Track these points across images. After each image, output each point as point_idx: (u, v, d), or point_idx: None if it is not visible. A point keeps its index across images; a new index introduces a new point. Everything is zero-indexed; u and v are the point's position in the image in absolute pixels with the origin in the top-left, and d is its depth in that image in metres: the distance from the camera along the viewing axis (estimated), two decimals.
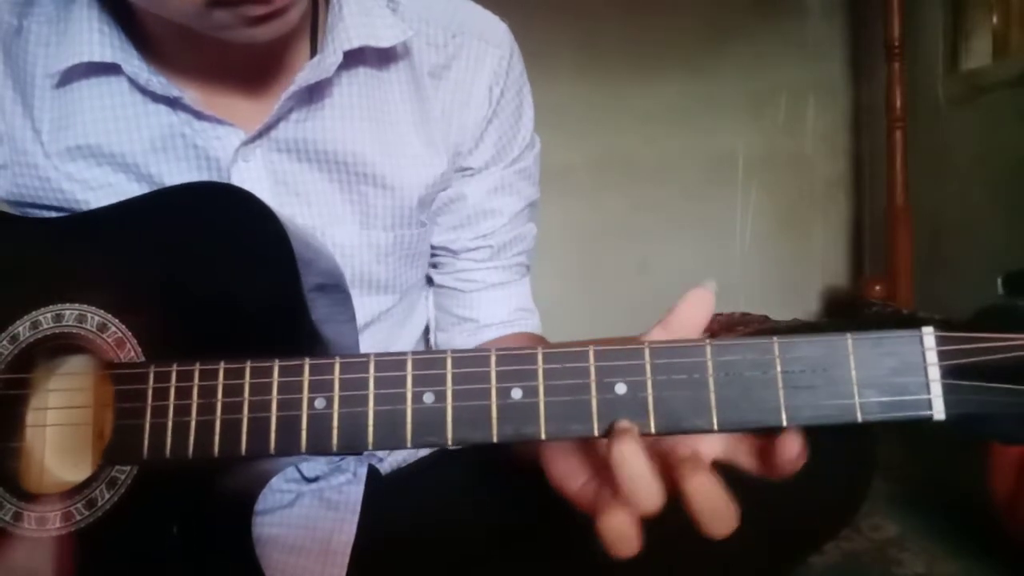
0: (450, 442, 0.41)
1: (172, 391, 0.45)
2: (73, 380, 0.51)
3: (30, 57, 0.62)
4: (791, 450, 0.39)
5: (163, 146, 0.62)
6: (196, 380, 0.44)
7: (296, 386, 0.43)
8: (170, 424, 0.44)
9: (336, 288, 0.57)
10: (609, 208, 2.14)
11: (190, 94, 0.61)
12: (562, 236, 2.01)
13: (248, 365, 0.44)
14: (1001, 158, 1.69)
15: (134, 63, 0.60)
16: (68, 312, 0.51)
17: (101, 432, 0.47)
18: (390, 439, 0.41)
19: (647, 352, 0.40)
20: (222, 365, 0.44)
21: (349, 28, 0.61)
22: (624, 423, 0.40)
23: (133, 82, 0.60)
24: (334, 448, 0.42)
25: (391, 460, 0.74)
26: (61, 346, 0.51)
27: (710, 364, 0.40)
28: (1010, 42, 1.78)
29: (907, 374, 0.38)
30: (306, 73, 0.60)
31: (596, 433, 0.40)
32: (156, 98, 0.61)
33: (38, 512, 0.48)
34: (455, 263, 0.74)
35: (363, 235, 0.67)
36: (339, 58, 0.61)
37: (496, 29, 0.71)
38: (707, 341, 0.40)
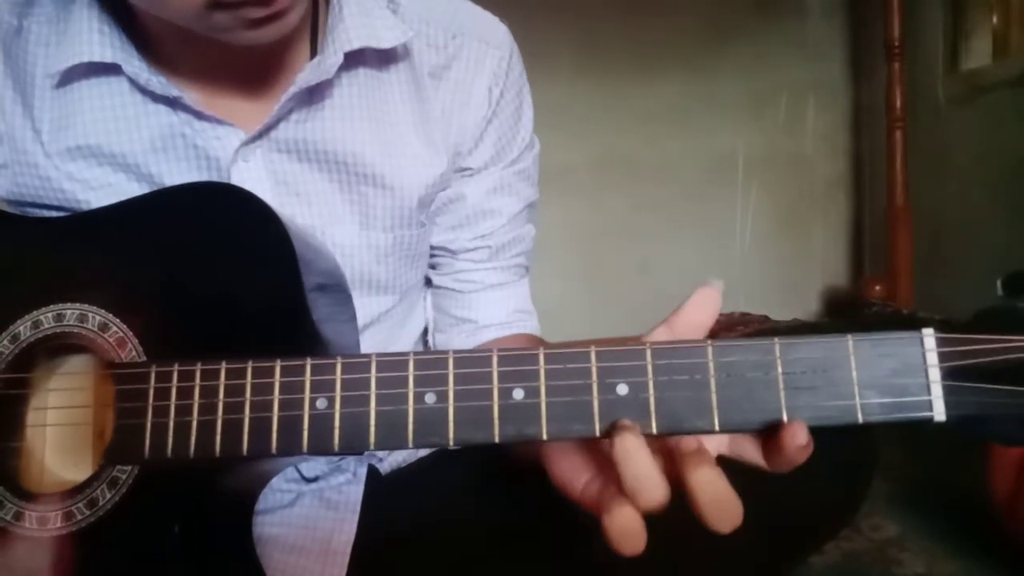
0: (452, 442, 0.41)
1: (173, 391, 0.45)
2: (74, 380, 0.51)
3: (30, 57, 0.62)
4: (799, 438, 0.39)
5: (163, 146, 0.62)
6: (198, 380, 0.44)
7: (298, 386, 0.43)
8: (171, 424, 0.44)
9: (337, 288, 0.57)
10: (609, 208, 2.14)
11: (190, 94, 0.61)
12: (562, 236, 2.01)
13: (250, 365, 0.44)
14: (1001, 158, 1.69)
15: (134, 63, 0.60)
16: (69, 312, 0.51)
17: (102, 432, 0.47)
18: (392, 439, 0.41)
19: (649, 353, 0.40)
20: (224, 365, 0.44)
21: (349, 29, 0.61)
22: (626, 421, 0.40)
23: (133, 82, 0.60)
24: (336, 448, 0.42)
25: (391, 460, 0.74)
26: (62, 346, 0.51)
27: (711, 365, 0.40)
28: (1010, 42, 1.78)
29: (908, 375, 0.38)
30: (306, 74, 0.60)
31: (597, 434, 0.40)
32: (156, 98, 0.61)
33: (39, 512, 0.48)
34: (454, 264, 0.74)
35: (363, 235, 0.67)
36: (339, 59, 0.61)
37: (496, 30, 0.71)
38: (708, 342, 0.40)
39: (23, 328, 0.51)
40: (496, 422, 0.41)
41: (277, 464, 0.56)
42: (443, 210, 0.72)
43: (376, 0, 0.65)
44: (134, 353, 0.48)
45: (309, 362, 0.43)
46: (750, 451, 0.42)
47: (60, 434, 0.51)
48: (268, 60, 0.63)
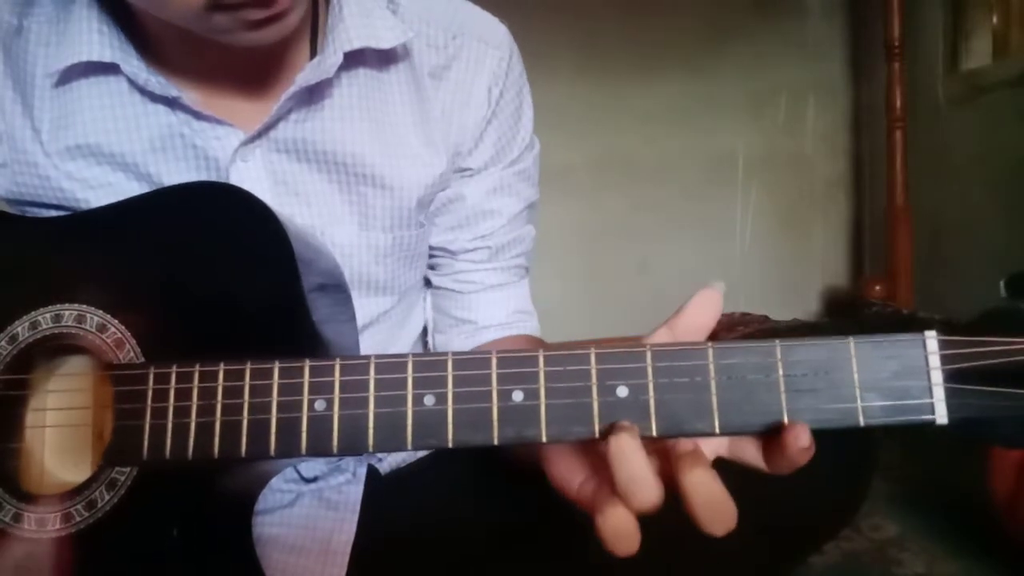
0: (451, 444, 0.41)
1: (172, 392, 0.45)
2: (72, 381, 0.51)
3: (30, 57, 0.62)
4: (801, 441, 0.38)
5: (162, 146, 0.62)
6: (196, 382, 0.44)
7: (296, 388, 0.43)
8: (170, 425, 0.44)
9: (336, 288, 0.57)
10: (609, 208, 2.14)
11: (189, 94, 0.61)
12: (562, 236, 2.01)
13: (248, 367, 0.44)
14: (1001, 158, 1.69)
15: (133, 63, 0.60)
16: (67, 312, 0.50)
17: (100, 433, 0.47)
18: (391, 441, 0.41)
19: (649, 355, 0.40)
20: (222, 367, 0.44)
21: (349, 29, 0.61)
22: (624, 422, 0.40)
23: (132, 82, 0.60)
24: (335, 450, 0.42)
25: (390, 460, 0.74)
26: (60, 346, 0.51)
27: (712, 367, 0.40)
28: (1010, 42, 1.78)
29: (909, 378, 0.38)
30: (306, 74, 0.60)
31: (597, 435, 0.40)
32: (155, 98, 0.61)
33: (38, 513, 0.48)
34: (453, 264, 0.74)
35: (362, 236, 0.67)
36: (339, 59, 0.61)
37: (496, 31, 0.71)
38: (709, 344, 0.40)
39: (21, 329, 0.51)
40: (495, 424, 0.40)
41: (276, 465, 0.56)
42: (443, 210, 0.72)
43: (376, 0, 0.64)
44: (132, 354, 0.48)
45: (308, 364, 0.43)
46: (750, 452, 0.42)
47: (59, 435, 0.51)
48: (268, 60, 0.63)
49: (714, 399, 0.39)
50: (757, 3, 2.15)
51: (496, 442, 0.41)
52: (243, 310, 0.49)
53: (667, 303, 0.45)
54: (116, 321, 0.49)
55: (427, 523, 0.67)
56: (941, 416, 0.38)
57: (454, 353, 0.42)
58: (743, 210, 2.21)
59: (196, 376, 0.44)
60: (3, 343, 0.51)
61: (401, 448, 0.41)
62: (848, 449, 0.60)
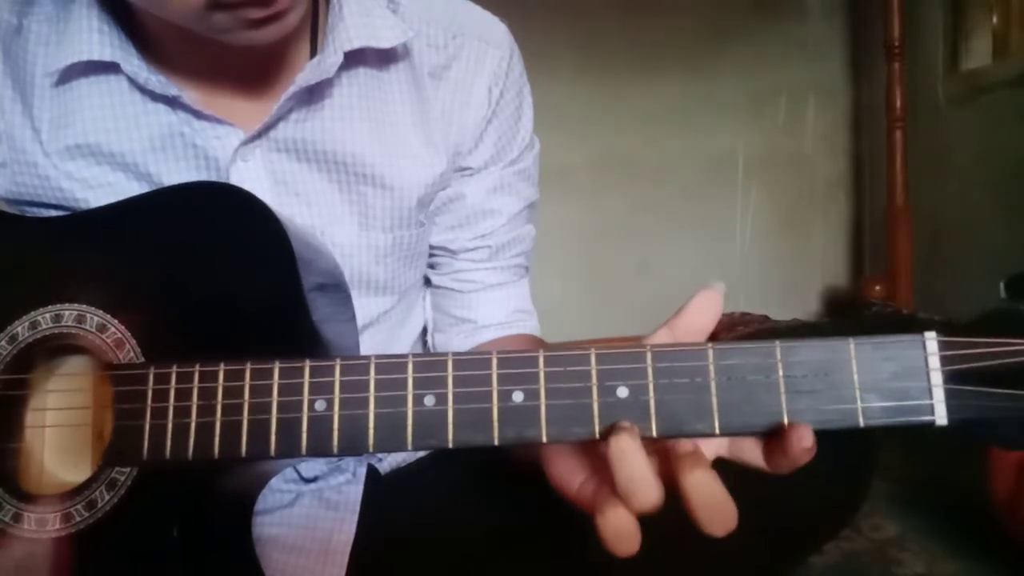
0: (451, 444, 0.41)
1: (172, 392, 0.45)
2: (72, 381, 0.51)
3: (29, 56, 0.62)
4: (805, 441, 0.38)
5: (162, 145, 0.62)
6: (196, 382, 0.44)
7: (296, 388, 0.43)
8: (170, 426, 0.44)
9: (336, 288, 0.57)
10: (609, 208, 2.14)
11: (189, 93, 0.61)
12: (562, 236, 2.01)
13: (248, 367, 0.44)
14: (1001, 158, 1.69)
15: (133, 62, 0.59)
16: (67, 312, 0.50)
17: (100, 433, 0.47)
18: (391, 441, 0.41)
19: (649, 356, 0.40)
20: (222, 367, 0.44)
21: (349, 28, 0.61)
22: (624, 422, 0.40)
23: (132, 81, 0.60)
24: (335, 450, 0.42)
25: (390, 460, 0.74)
26: (60, 346, 0.51)
27: (712, 368, 0.40)
28: (1010, 42, 1.78)
29: (909, 379, 0.38)
30: (306, 73, 0.60)
31: (598, 436, 0.40)
32: (155, 97, 0.61)
33: (38, 513, 0.48)
34: (453, 263, 0.74)
35: (362, 236, 0.67)
36: (339, 59, 0.61)
37: (496, 30, 0.71)
38: (709, 345, 0.40)
39: (21, 329, 0.51)
40: (496, 424, 0.40)
41: (276, 465, 0.56)
42: (443, 210, 0.72)
43: (376, 0, 0.64)
44: (132, 354, 0.48)
45: (308, 364, 0.43)
46: (750, 452, 0.42)
47: (59, 435, 0.51)
48: (268, 60, 0.63)
49: (714, 400, 0.39)
50: (757, 3, 2.15)
51: (496, 442, 0.41)
52: (243, 310, 0.49)
53: (667, 303, 0.45)
54: (116, 321, 0.49)
55: (427, 523, 0.67)
56: (941, 417, 0.38)
57: (454, 353, 0.42)
58: (743, 210, 2.21)
59: (196, 376, 0.44)
60: (3, 343, 0.51)
61: (401, 448, 0.41)
62: (848, 449, 0.60)
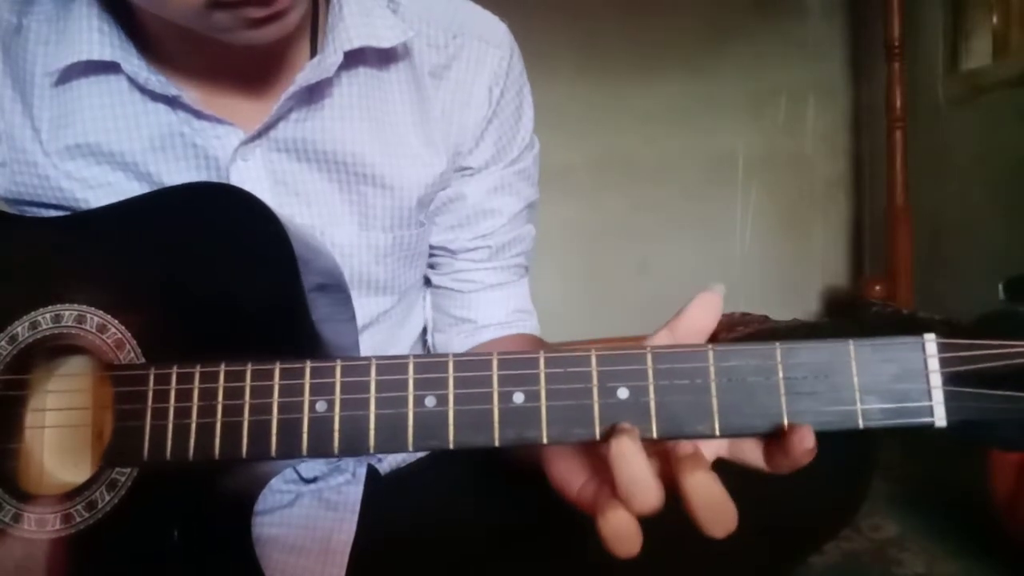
0: (452, 445, 0.41)
1: (172, 393, 0.45)
2: (72, 381, 0.51)
3: (29, 56, 0.62)
4: (807, 442, 0.38)
5: (162, 145, 0.62)
6: (196, 382, 0.44)
7: (297, 389, 0.43)
8: (170, 426, 0.44)
9: (336, 288, 0.57)
10: (609, 208, 2.13)
11: (189, 93, 0.61)
12: (562, 236, 2.01)
13: (249, 368, 0.44)
14: (1001, 158, 1.69)
15: (133, 62, 0.59)
16: (67, 313, 0.50)
17: (100, 434, 0.47)
18: (392, 442, 0.41)
19: (649, 357, 0.40)
20: (223, 367, 0.44)
21: (350, 28, 0.61)
22: (625, 424, 0.40)
23: (132, 81, 0.60)
24: (336, 451, 0.42)
25: (390, 460, 0.74)
26: (60, 347, 0.51)
27: (712, 369, 0.40)
28: (1010, 42, 1.78)
29: (909, 381, 0.39)
30: (306, 73, 0.60)
31: (598, 437, 0.40)
32: (155, 97, 0.61)
33: (38, 513, 0.48)
34: (453, 263, 0.74)
35: (362, 236, 0.67)
36: (339, 58, 0.61)
37: (496, 30, 0.71)
38: (709, 346, 0.40)
39: (21, 329, 0.51)
40: (496, 426, 0.40)
41: (276, 466, 0.56)
42: (443, 210, 0.72)
43: (376, 0, 0.64)
44: (132, 355, 0.48)
45: (308, 365, 0.43)
46: (750, 453, 0.42)
47: (59, 436, 0.51)
48: (268, 59, 0.63)
49: (714, 401, 0.40)
50: (757, 3, 2.15)
51: (497, 443, 0.41)
52: (243, 310, 0.49)
53: (667, 303, 0.45)
54: (116, 321, 0.49)
55: (427, 523, 0.67)
56: (940, 419, 0.38)
57: (455, 354, 0.42)
58: (743, 210, 2.21)
59: (197, 377, 0.44)
60: (3, 343, 0.51)
61: (402, 449, 0.41)
62: (848, 450, 0.60)
